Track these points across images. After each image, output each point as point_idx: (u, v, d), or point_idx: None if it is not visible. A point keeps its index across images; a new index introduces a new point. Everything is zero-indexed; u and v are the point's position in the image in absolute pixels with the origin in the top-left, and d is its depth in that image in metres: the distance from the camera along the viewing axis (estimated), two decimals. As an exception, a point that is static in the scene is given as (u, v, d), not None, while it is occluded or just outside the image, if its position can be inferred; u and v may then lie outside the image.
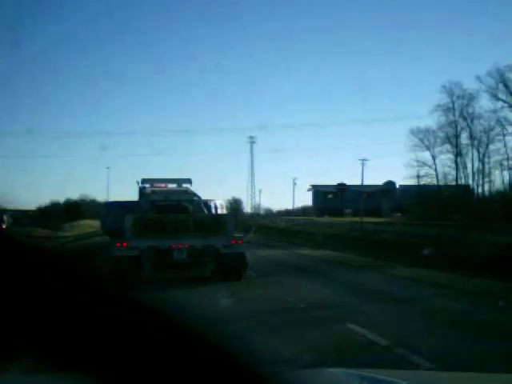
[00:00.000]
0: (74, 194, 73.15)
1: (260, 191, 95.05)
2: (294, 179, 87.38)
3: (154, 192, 16.07)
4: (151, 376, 0.95)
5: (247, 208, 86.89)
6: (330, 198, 75.68)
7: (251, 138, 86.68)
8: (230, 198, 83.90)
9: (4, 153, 78.72)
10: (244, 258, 13.93)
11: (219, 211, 17.92)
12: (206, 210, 16.41)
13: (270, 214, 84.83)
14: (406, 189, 67.53)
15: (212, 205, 17.55)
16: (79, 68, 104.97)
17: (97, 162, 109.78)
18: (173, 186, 16.79)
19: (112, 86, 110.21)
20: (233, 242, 13.95)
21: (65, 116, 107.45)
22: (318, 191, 78.52)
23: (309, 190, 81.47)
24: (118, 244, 13.62)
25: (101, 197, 65.35)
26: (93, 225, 44.73)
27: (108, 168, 69.36)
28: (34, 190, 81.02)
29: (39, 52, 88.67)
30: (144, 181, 16.74)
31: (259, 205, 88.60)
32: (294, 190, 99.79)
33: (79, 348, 0.94)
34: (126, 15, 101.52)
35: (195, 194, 16.25)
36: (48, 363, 0.98)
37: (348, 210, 64.58)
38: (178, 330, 1.00)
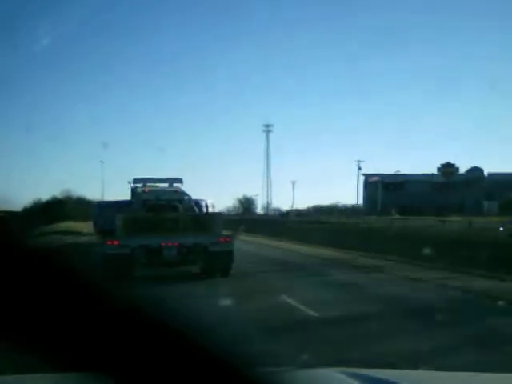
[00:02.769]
0: (67, 192, 64.41)
1: (293, 183, 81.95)
2: (359, 162, 64.83)
3: (144, 192, 17.00)
4: (147, 375, 0.98)
5: (265, 207, 77.79)
6: (391, 191, 59.00)
7: (267, 126, 77.84)
8: (240, 196, 79.40)
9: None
10: (232, 255, 14.77)
11: (210, 210, 19.07)
12: (196, 209, 17.33)
13: (279, 213, 73.16)
14: (498, 178, 52.98)
15: (203, 204, 18.62)
16: (78, 66, 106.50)
17: (94, 160, 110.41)
18: (164, 185, 17.74)
19: (113, 80, 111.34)
20: (221, 240, 14.86)
21: (61, 114, 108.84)
22: (381, 182, 59.64)
23: (371, 181, 62.68)
24: (110, 242, 14.45)
25: (90, 194, 62.68)
26: (74, 227, 37.51)
27: (102, 162, 63.66)
28: (27, 190, 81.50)
29: (38, 50, 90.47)
30: (136, 181, 17.63)
31: (269, 204, 78.88)
32: (358, 177, 68.32)
33: (75, 348, 0.98)
34: (125, 11, 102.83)
35: (185, 194, 17.14)
36: (45, 363, 1.02)
37: (492, 204, 45.19)
38: (170, 329, 1.03)
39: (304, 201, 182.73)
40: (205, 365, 1.00)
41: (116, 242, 14.47)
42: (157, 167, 77.81)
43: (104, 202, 22.23)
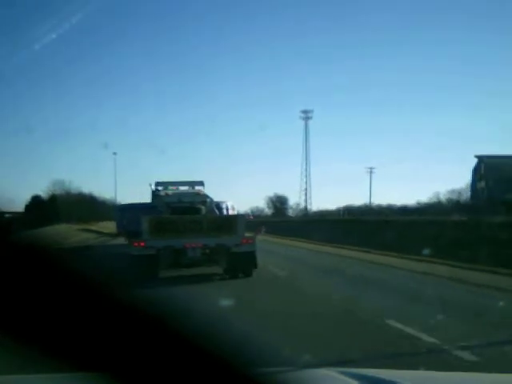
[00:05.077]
0: (61, 184, 61.51)
1: (371, 170, 70.42)
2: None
3: (167, 194, 17.79)
4: (151, 375, 1.03)
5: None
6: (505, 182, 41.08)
7: (305, 112, 70.12)
8: (272, 194, 73.86)
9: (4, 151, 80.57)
10: (254, 255, 15.51)
11: (230, 212, 19.92)
12: (217, 211, 18.15)
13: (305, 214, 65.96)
14: None
15: (224, 206, 19.46)
16: (81, 68, 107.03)
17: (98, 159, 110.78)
18: (185, 188, 18.54)
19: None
20: (243, 241, 15.57)
21: (66, 115, 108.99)
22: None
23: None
24: (136, 244, 15.14)
25: (98, 192, 60.48)
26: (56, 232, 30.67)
27: (115, 154, 59.69)
28: (29, 190, 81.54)
29: (39, 51, 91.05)
30: (158, 184, 18.44)
31: (299, 204, 70.82)
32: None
33: (79, 348, 1.02)
34: (128, 10, 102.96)
35: (207, 196, 17.92)
36: (48, 362, 1.06)
37: None
38: (187, 328, 1.08)
39: (328, 201, 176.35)
40: (207, 365, 1.05)
41: (142, 244, 15.13)
42: (175, 169, 77.72)
43: (126, 204, 23.14)
